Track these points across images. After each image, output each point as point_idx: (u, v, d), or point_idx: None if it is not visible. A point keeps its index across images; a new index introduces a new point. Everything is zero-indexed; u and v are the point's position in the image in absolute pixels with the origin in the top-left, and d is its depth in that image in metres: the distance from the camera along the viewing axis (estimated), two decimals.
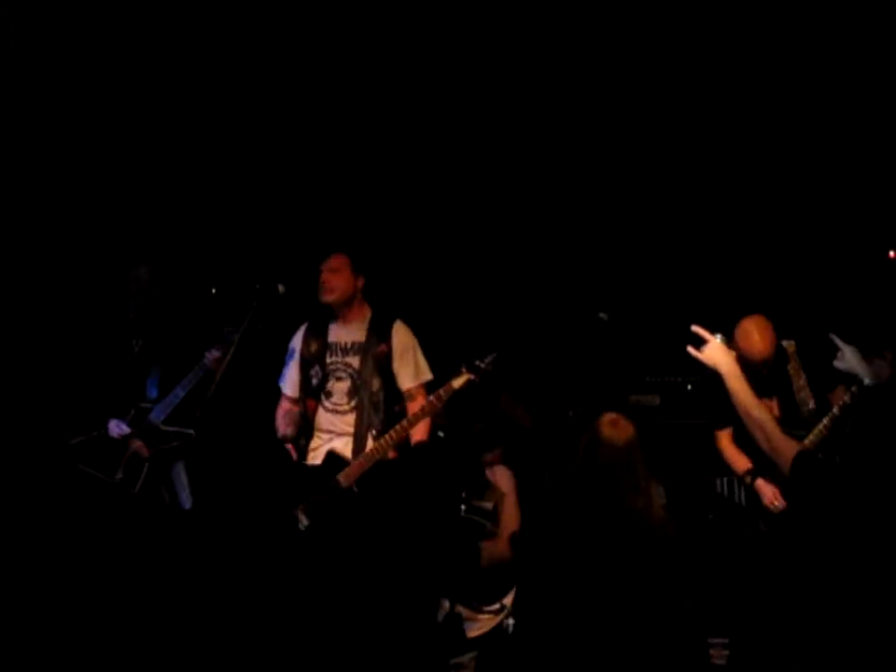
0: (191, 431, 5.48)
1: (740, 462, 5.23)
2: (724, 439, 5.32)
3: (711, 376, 3.51)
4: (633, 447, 3.83)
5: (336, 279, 5.21)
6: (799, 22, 6.16)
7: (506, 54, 6.55)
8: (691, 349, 3.51)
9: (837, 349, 4.27)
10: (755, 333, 5.05)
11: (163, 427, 5.45)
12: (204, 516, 5.57)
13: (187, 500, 5.58)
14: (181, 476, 5.59)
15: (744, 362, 4.35)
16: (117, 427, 5.47)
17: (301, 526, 5.00)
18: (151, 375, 5.60)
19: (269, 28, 6.47)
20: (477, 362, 4.95)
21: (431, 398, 5.01)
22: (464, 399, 5.24)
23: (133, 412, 5.50)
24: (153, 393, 5.56)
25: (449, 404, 5.10)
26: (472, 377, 4.95)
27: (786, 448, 3.29)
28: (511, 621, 5.32)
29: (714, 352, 3.47)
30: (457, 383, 4.96)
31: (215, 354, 5.38)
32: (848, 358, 4.00)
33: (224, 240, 6.79)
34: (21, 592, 5.24)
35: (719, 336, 3.52)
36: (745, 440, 4.84)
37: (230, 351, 5.20)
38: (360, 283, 5.27)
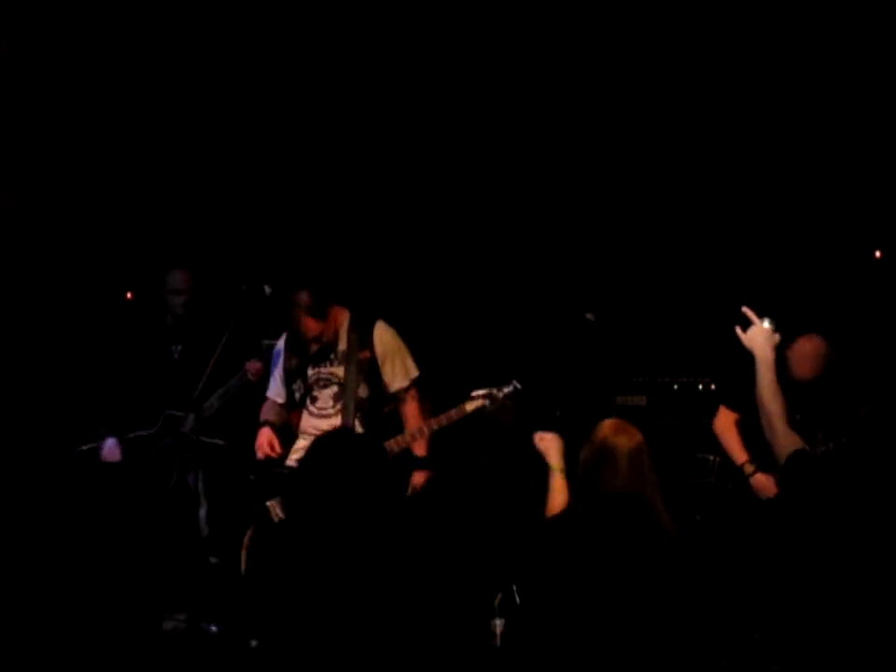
0: (222, 442, 5.42)
1: (738, 451, 5.16)
2: (730, 421, 5.24)
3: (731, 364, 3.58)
4: (643, 451, 3.86)
5: (311, 322, 5.03)
6: (795, 22, 6.17)
7: (497, 53, 6.55)
8: (737, 328, 3.51)
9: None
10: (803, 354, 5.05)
11: (194, 437, 5.33)
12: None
13: (203, 514, 5.51)
14: (201, 489, 5.51)
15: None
16: (110, 451, 5.38)
17: (274, 518, 4.97)
18: (187, 381, 5.51)
19: (264, 32, 6.47)
20: (495, 391, 4.92)
21: (433, 421, 4.98)
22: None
23: (162, 419, 5.44)
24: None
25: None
26: (485, 404, 4.93)
27: (787, 444, 3.34)
28: (499, 622, 5.31)
29: (756, 335, 3.48)
30: (470, 407, 4.93)
31: (256, 365, 5.30)
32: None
33: (210, 241, 6.78)
34: (38, 594, 5.21)
35: (766, 321, 3.48)
36: (751, 429, 4.82)
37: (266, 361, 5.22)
38: (335, 311, 5.13)
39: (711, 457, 5.53)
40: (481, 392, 4.96)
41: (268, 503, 4.99)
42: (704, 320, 6.33)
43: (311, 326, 5.04)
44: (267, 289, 5.19)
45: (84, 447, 5.42)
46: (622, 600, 3.55)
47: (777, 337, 3.47)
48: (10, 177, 6.21)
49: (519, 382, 4.98)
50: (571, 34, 6.48)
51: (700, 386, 6.15)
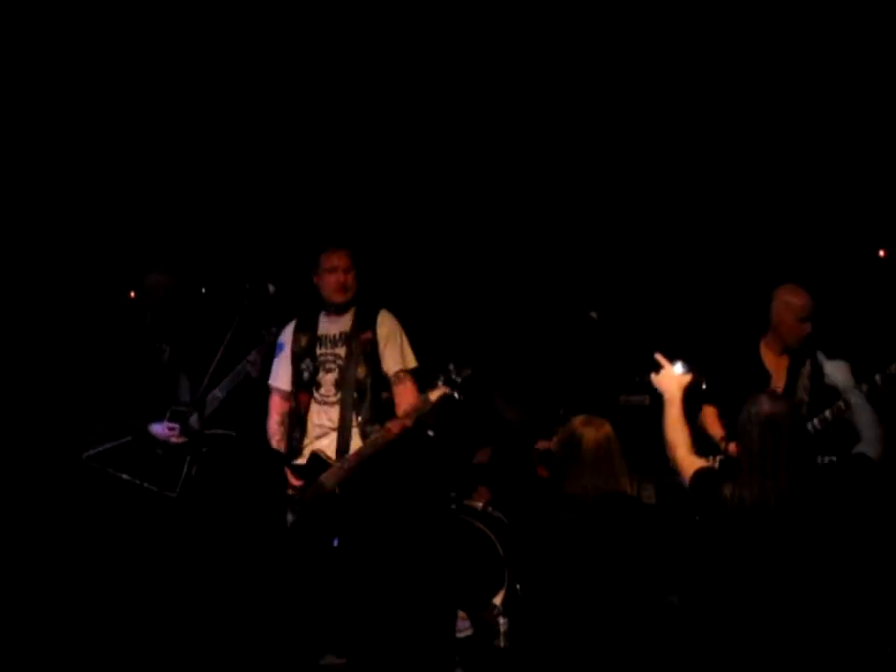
0: (233, 433, 5.44)
1: (716, 430, 5.37)
2: (710, 412, 5.45)
3: (718, 358, 3.85)
4: (611, 440, 4.00)
5: (351, 278, 5.22)
6: (797, 22, 6.17)
7: (502, 53, 6.55)
8: (652, 375, 3.99)
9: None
10: (796, 292, 5.25)
11: (203, 431, 5.33)
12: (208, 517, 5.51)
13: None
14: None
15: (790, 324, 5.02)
16: (164, 429, 5.37)
17: (286, 523, 5.02)
18: (181, 379, 5.55)
19: (263, 31, 6.47)
20: (454, 376, 4.98)
21: (406, 411, 5.04)
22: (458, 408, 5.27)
23: (168, 415, 5.44)
24: (185, 397, 5.49)
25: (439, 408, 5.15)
26: (448, 391, 4.98)
27: (688, 466, 3.81)
28: (503, 620, 5.32)
29: (663, 379, 3.97)
30: (434, 395, 4.99)
31: (255, 358, 5.34)
32: (830, 375, 4.19)
33: (214, 239, 6.79)
34: (50, 600, 5.21)
35: (678, 364, 3.95)
36: (729, 416, 5.09)
37: (266, 351, 5.26)
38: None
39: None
40: (440, 380, 5.01)
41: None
42: (707, 319, 6.34)
43: (349, 282, 5.19)
44: (271, 288, 5.23)
45: (92, 451, 5.41)
46: (602, 594, 3.60)
47: (686, 378, 3.96)
48: (15, 178, 6.21)
49: (474, 366, 5.04)
50: (573, 33, 6.48)
51: (703, 385, 6.15)
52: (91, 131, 6.45)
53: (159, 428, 5.38)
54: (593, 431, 4.00)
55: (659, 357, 3.95)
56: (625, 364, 6.45)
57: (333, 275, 5.21)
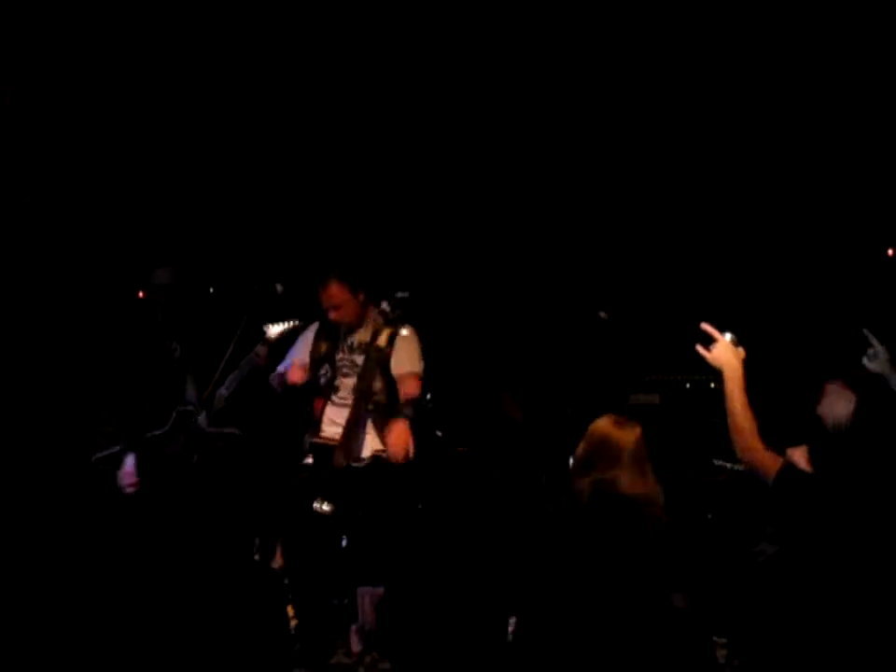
0: (235, 431, 5.44)
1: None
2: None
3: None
4: (642, 441, 3.89)
5: (342, 312, 5.21)
6: (799, 22, 6.16)
7: (505, 54, 6.55)
8: (699, 348, 3.44)
9: (869, 346, 4.03)
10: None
11: (208, 430, 5.30)
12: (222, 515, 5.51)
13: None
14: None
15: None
16: (130, 467, 5.23)
17: (326, 512, 5.00)
18: (189, 379, 5.54)
19: (269, 30, 6.49)
20: (398, 295, 5.13)
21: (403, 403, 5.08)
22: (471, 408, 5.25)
23: (174, 415, 5.45)
24: (192, 397, 5.43)
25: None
26: (400, 313, 5.11)
27: (770, 462, 3.32)
28: (510, 619, 5.32)
29: (721, 353, 3.41)
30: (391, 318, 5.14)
31: (264, 349, 5.33)
32: (882, 360, 3.83)
33: (222, 239, 6.80)
34: (56, 600, 5.22)
35: (728, 335, 3.43)
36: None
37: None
38: (361, 297, 5.24)
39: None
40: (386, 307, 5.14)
41: (315, 505, 5.03)
42: (716, 319, 6.32)
43: (335, 293, 5.14)
44: (279, 288, 5.23)
45: (100, 454, 5.41)
46: (609, 595, 3.55)
47: (741, 351, 3.40)
48: (22, 178, 6.23)
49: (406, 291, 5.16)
50: (576, 33, 6.48)
51: (712, 384, 6.15)
52: (99, 131, 6.45)
53: (129, 463, 5.32)
54: (629, 433, 3.91)
55: (707, 327, 3.43)
56: (635, 363, 6.46)
57: (328, 313, 5.23)
